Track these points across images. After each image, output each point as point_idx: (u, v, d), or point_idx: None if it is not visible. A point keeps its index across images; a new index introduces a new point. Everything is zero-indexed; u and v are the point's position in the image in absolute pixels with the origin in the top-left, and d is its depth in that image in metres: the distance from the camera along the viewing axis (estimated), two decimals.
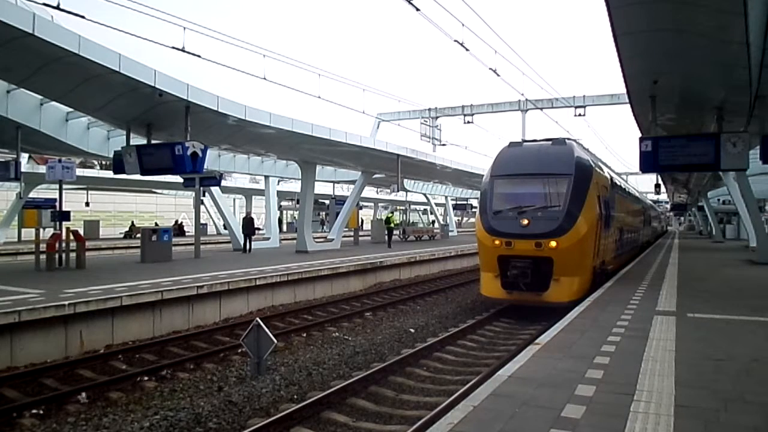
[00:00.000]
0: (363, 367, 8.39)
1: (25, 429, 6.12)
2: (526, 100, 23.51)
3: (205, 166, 13.10)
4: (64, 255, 14.82)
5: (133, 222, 42.44)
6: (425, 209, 48.95)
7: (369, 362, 8.75)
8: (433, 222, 45.15)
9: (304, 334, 10.60)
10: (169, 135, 14.00)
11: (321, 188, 36.26)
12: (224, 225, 29.22)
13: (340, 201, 29.75)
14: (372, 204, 61.58)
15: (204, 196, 24.62)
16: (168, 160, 12.43)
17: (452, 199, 46.18)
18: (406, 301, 14.62)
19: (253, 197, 44.02)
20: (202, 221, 25.66)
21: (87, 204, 38.34)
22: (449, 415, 4.31)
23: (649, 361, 5.71)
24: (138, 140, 13.90)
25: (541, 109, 24.63)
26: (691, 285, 12.05)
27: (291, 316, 12.31)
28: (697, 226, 60.04)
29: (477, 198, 26.22)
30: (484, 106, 28.96)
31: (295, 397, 7.11)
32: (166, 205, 51.23)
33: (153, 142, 13.59)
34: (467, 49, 12.59)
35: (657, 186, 23.85)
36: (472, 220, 41.73)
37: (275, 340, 7.79)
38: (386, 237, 27.50)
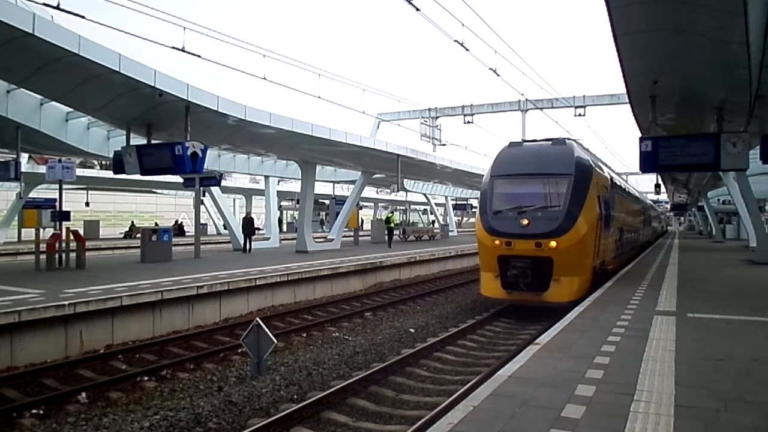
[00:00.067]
0: (363, 367, 8.39)
1: (25, 429, 6.12)
2: (526, 100, 23.51)
3: (205, 166, 13.10)
4: (64, 255, 14.82)
5: (133, 222, 42.44)
6: (425, 209, 48.95)
7: (369, 362, 8.75)
8: (433, 222, 45.15)
9: (304, 334, 10.60)
10: (169, 135, 14.00)
11: (321, 188, 36.26)
12: (224, 225, 29.23)
13: (340, 201, 29.75)
14: (372, 204, 61.58)
15: (204, 196, 24.62)
16: (168, 160, 12.43)
17: (452, 199, 46.18)
18: (406, 301, 14.62)
19: (253, 197, 44.03)
20: (202, 221, 25.66)
21: (87, 204, 38.34)
22: (449, 415, 4.31)
23: (649, 361, 5.71)
24: (138, 140, 13.90)
25: (541, 109, 24.63)
26: (691, 285, 12.05)
27: (291, 316, 12.31)
28: (697, 226, 60.04)
29: (477, 198, 26.22)
30: (484, 106, 28.97)
31: (295, 397, 7.11)
32: (166, 205, 51.23)
33: (153, 142, 13.59)
34: (467, 49, 12.60)
35: (657, 186, 23.86)
36: (472, 220, 41.73)
37: (275, 340, 7.80)
38: (386, 237, 27.51)
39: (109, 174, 23.80)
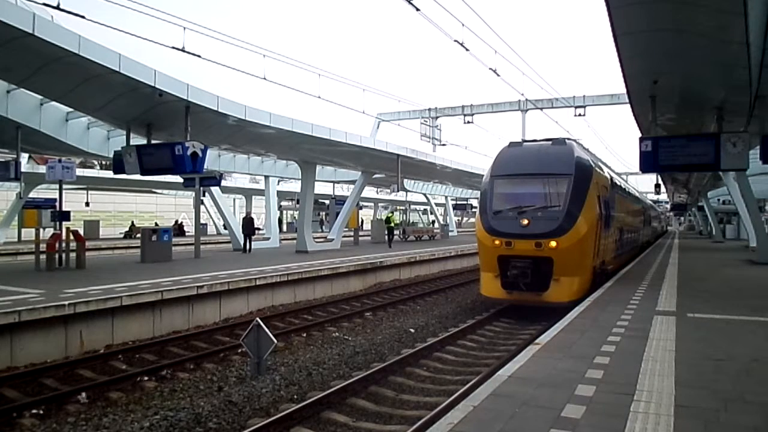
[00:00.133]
0: (363, 367, 8.39)
1: (25, 429, 6.12)
2: (526, 100, 23.51)
3: (205, 166, 13.10)
4: (64, 255, 14.82)
5: (133, 222, 42.45)
6: (425, 209, 48.95)
7: (369, 362, 8.75)
8: (433, 222, 45.15)
9: (304, 334, 10.60)
10: (169, 135, 14.00)
11: (321, 188, 36.26)
12: (224, 225, 29.23)
13: (340, 201, 29.74)
14: (372, 204, 61.58)
15: (204, 196, 24.62)
16: (168, 160, 12.43)
17: (452, 199, 46.18)
18: (406, 301, 14.62)
19: (253, 197, 44.03)
20: (202, 221, 25.66)
21: (87, 204, 38.35)
22: (449, 415, 4.31)
23: (649, 361, 5.71)
24: (138, 140, 13.90)
25: (541, 109, 24.63)
26: (691, 285, 12.05)
27: (291, 316, 12.31)
28: (697, 226, 60.04)
29: (477, 198, 26.22)
30: (484, 106, 28.97)
31: (295, 397, 7.11)
32: (166, 205, 51.23)
33: (153, 142, 13.60)
34: (467, 49, 12.60)
35: (657, 186, 23.86)
36: (472, 220, 41.73)
37: (275, 340, 7.79)
38: (386, 237, 27.51)
39: (109, 174, 23.80)
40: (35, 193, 30.12)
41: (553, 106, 25.21)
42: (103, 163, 36.22)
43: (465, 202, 48.19)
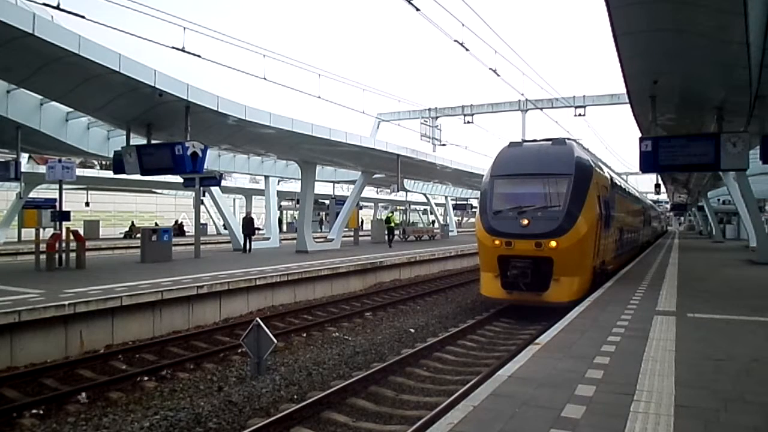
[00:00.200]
0: (363, 367, 8.39)
1: (25, 429, 6.12)
2: (526, 100, 23.51)
3: (205, 166, 13.10)
4: (64, 255, 14.82)
5: (133, 222, 42.45)
6: (425, 209, 48.95)
7: (369, 362, 8.75)
8: (433, 222, 45.15)
9: (304, 334, 10.60)
10: (169, 135, 14.00)
11: (321, 188, 36.27)
12: (224, 225, 29.23)
13: (340, 201, 29.75)
14: (372, 204, 61.59)
15: (204, 196, 24.62)
16: (168, 160, 12.43)
17: (452, 199, 46.19)
18: (406, 301, 14.62)
19: (253, 197, 44.03)
20: (202, 221, 25.66)
21: (87, 204, 38.35)
22: (449, 415, 4.31)
23: (649, 361, 5.71)
24: (138, 140, 13.90)
25: (541, 109, 24.63)
26: (691, 285, 12.05)
27: (291, 316, 12.31)
28: (697, 226, 60.05)
29: (477, 198, 26.22)
30: (484, 106, 28.97)
31: (295, 397, 7.11)
32: (166, 205, 51.23)
33: (153, 142, 13.60)
34: (467, 49, 12.60)
35: (657, 186, 23.86)
36: (472, 220, 41.73)
37: (275, 340, 7.79)
38: (386, 237, 27.51)
39: (109, 174, 23.80)
40: (35, 193, 30.12)
41: (553, 106, 25.22)
42: (103, 163, 36.22)
43: (465, 202, 48.19)
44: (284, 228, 45.87)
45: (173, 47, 10.42)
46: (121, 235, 38.95)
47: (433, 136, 28.50)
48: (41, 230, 19.65)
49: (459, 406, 4.48)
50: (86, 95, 11.65)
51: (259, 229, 29.04)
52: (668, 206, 60.01)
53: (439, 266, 22.36)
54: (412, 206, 47.92)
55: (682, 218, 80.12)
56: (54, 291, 10.03)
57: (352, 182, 28.54)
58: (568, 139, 13.10)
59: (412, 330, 11.14)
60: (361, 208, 45.07)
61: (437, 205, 51.07)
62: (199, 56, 11.26)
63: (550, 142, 12.43)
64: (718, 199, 40.36)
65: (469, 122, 28.22)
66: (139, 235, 19.92)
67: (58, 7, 8.55)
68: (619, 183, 17.14)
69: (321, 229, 45.69)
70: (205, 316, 11.45)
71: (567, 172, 11.31)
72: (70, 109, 15.34)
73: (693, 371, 5.37)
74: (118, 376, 7.77)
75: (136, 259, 17.16)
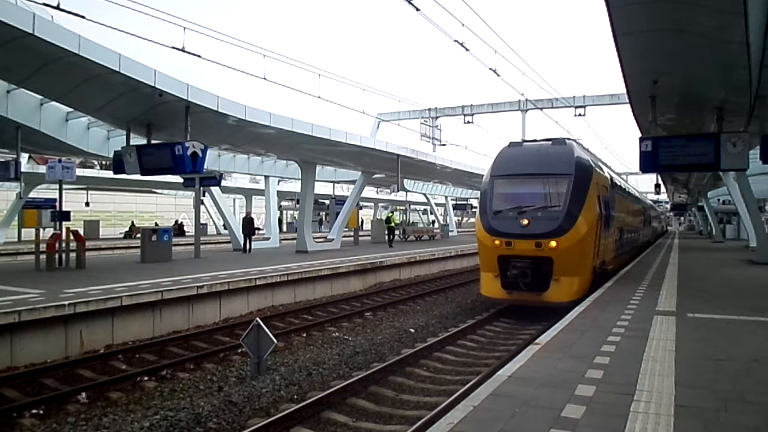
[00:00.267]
0: (363, 367, 8.39)
1: (25, 429, 6.12)
2: (526, 100, 23.51)
3: (205, 166, 13.10)
4: (64, 255, 14.82)
5: (133, 222, 42.45)
6: (425, 209, 48.96)
7: (369, 362, 8.75)
8: (433, 222, 45.16)
9: (304, 334, 10.60)
10: (169, 135, 14.00)
11: (321, 188, 36.26)
12: (224, 225, 29.22)
13: (340, 201, 29.74)
14: (372, 204, 61.59)
15: (204, 196, 24.62)
16: (168, 160, 12.43)
17: (452, 199, 46.18)
18: (406, 301, 14.62)
19: (253, 197, 44.03)
20: (202, 221, 25.65)
21: (87, 204, 38.35)
22: (449, 415, 4.31)
23: (649, 361, 5.71)
24: (138, 140, 13.90)
25: (541, 109, 24.63)
26: (691, 285, 12.05)
27: (291, 316, 12.31)
28: (697, 226, 60.05)
29: (477, 198, 26.21)
30: (484, 106, 28.97)
31: (295, 397, 7.11)
32: (166, 205, 51.23)
33: (153, 142, 13.59)
34: (467, 49, 12.60)
35: (657, 186, 23.87)
36: (472, 220, 41.73)
37: (275, 340, 7.80)
38: (386, 237, 27.51)
39: (109, 174, 23.80)
40: (35, 193, 30.12)
41: (553, 106, 25.21)
42: (103, 163, 36.22)
43: (465, 202, 48.19)
44: (284, 228, 45.87)
45: (173, 47, 10.42)
46: (121, 235, 38.95)
47: (433, 136, 28.50)
48: (41, 230, 19.65)
49: (459, 406, 4.48)
50: (86, 95, 11.65)
51: (259, 229, 29.04)
52: (668, 206, 60.02)
53: (439, 266, 22.36)
54: (412, 206, 47.93)
55: (682, 218, 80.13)
56: (54, 291, 10.03)
57: (352, 182, 28.54)
58: (568, 139, 13.10)
59: (412, 330, 11.14)
60: (361, 208, 45.07)
61: (437, 205, 51.07)
62: (199, 56, 11.27)
63: (550, 142, 12.43)
64: (718, 199, 40.35)
65: (469, 122, 28.22)
66: (139, 235, 19.92)
67: (58, 7, 8.55)
68: (619, 183, 17.15)
69: (321, 229, 45.69)
70: (205, 316, 11.45)
71: (567, 172, 11.31)
72: (70, 109, 15.34)
73: (693, 371, 5.37)
74: (118, 376, 7.77)
75: (136, 259, 17.16)
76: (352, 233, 29.89)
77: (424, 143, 28.31)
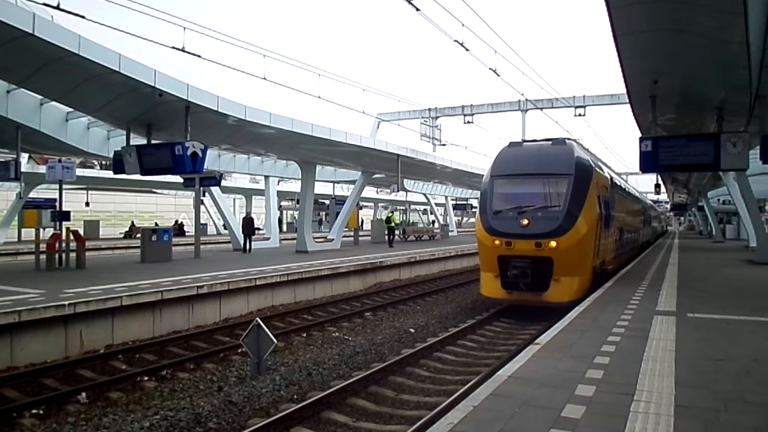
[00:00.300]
0: (363, 367, 8.39)
1: (25, 429, 6.12)
2: (526, 100, 23.51)
3: (205, 166, 13.10)
4: (64, 255, 14.82)
5: (133, 222, 42.44)
6: (425, 209, 48.95)
7: (369, 362, 8.75)
8: (433, 222, 45.16)
9: (304, 334, 10.60)
10: (169, 135, 14.00)
11: (321, 188, 36.26)
12: (224, 225, 29.22)
13: (340, 201, 29.74)
14: (372, 204, 61.59)
15: (204, 196, 24.62)
16: (168, 160, 12.42)
17: (452, 199, 46.18)
18: (406, 301, 14.62)
19: (253, 197, 44.03)
20: (202, 221, 25.65)
21: (87, 204, 38.35)
22: (449, 415, 4.31)
23: (649, 361, 5.71)
24: (138, 140, 13.90)
25: (541, 109, 24.63)
26: (691, 285, 12.05)
27: (291, 316, 12.31)
28: (697, 226, 60.05)
29: (477, 198, 26.21)
30: (484, 106, 28.96)
31: (295, 397, 7.11)
32: (166, 205, 51.23)
33: (153, 142, 13.59)
34: (467, 49, 12.61)
35: (657, 186, 23.87)
36: (472, 220, 41.73)
37: (275, 340, 7.79)
38: (387, 237, 27.51)
39: (109, 174, 23.80)
40: (35, 193, 30.12)
41: (553, 106, 25.21)
42: (103, 163, 36.22)
43: (465, 202, 48.19)
44: (284, 228, 45.87)
45: (173, 47, 10.42)
46: (121, 235, 38.94)
47: (433, 136, 28.49)
48: (41, 230, 19.65)
49: (459, 406, 4.48)
50: (86, 95, 11.65)
51: (259, 229, 29.04)
52: (668, 206, 60.01)
53: (439, 266, 22.36)
54: (412, 206, 47.91)
55: (682, 218, 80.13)
56: (54, 291, 10.03)
57: (352, 182, 28.54)
58: (568, 139, 13.10)
59: (412, 330, 11.14)
60: (361, 208, 45.07)
61: (437, 205, 51.08)
62: (199, 56, 11.27)
63: (550, 142, 12.43)
64: (718, 199, 40.35)
65: (469, 122, 28.22)
66: (139, 235, 19.91)
67: (58, 7, 8.55)
68: (619, 183, 17.15)
69: (321, 229, 45.68)
70: (205, 316, 11.45)
71: (567, 172, 11.31)
72: (70, 109, 15.33)
73: (693, 371, 5.37)
74: (118, 376, 7.77)
75: (136, 259, 17.16)
76: (352, 233, 29.89)
77: (424, 143, 28.35)
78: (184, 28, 10.59)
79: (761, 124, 11.06)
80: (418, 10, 9.98)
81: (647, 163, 11.00)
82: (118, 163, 14.11)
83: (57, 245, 14.50)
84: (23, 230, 30.03)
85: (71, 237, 15.02)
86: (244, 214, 27.29)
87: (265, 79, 13.34)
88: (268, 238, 27.09)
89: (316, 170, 22.59)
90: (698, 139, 11.02)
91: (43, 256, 14.47)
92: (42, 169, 24.15)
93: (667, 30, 7.61)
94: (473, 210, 44.35)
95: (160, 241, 17.27)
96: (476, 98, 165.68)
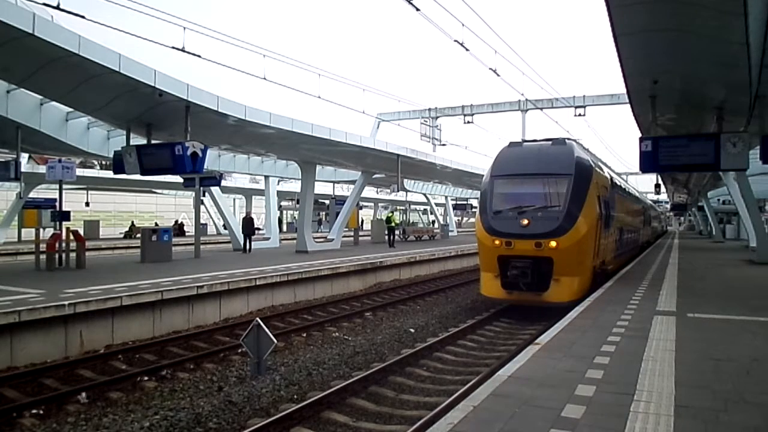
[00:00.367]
0: (363, 367, 8.39)
1: (25, 429, 6.12)
2: (526, 100, 23.51)
3: (205, 166, 13.10)
4: (64, 255, 14.82)
5: (133, 222, 42.42)
6: (425, 209, 48.95)
7: (369, 362, 8.75)
8: (433, 222, 45.16)
9: (304, 334, 10.60)
10: (169, 135, 13.99)
11: (321, 188, 36.25)
12: (224, 225, 29.22)
13: (340, 201, 29.74)
14: (372, 204, 61.60)
15: (204, 196, 24.62)
16: (168, 160, 12.42)
17: (452, 199, 46.18)
18: (406, 301, 14.62)
19: (253, 197, 44.01)
20: (202, 221, 25.64)
21: (87, 204, 38.34)
22: (449, 415, 4.31)
23: (649, 361, 5.71)
24: (138, 140, 13.90)
25: (541, 109, 24.63)
26: (691, 285, 12.05)
27: (291, 316, 12.31)
28: (697, 226, 60.05)
29: (477, 198, 26.21)
30: (484, 106, 28.94)
31: (295, 397, 7.11)
32: (166, 205, 51.22)
33: (153, 142, 13.59)
34: (467, 49, 12.60)
35: (657, 186, 23.86)
36: (472, 220, 41.73)
37: (275, 340, 7.79)
38: (387, 236, 27.50)
39: (109, 174, 23.79)
40: (35, 193, 30.11)
41: (553, 106, 25.20)
42: (103, 163, 36.21)
43: (465, 202, 48.19)
44: (284, 228, 45.88)
45: (173, 47, 10.42)
46: (121, 235, 38.94)
47: (433, 136, 28.48)
48: (41, 230, 19.65)
49: (459, 406, 4.48)
50: (86, 95, 11.64)
51: (259, 229, 29.03)
52: (668, 206, 60.02)
53: (439, 266, 22.37)
54: (412, 206, 47.90)
55: (682, 218, 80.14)
56: (54, 291, 10.03)
57: (352, 182, 28.53)
58: (568, 139, 13.11)
59: (412, 330, 11.15)
60: (361, 208, 45.07)
61: (437, 205, 51.08)
62: (199, 56, 11.26)
63: (550, 142, 12.44)
64: (718, 199, 40.34)
65: (469, 122, 28.19)
66: (139, 235, 19.91)
67: (58, 7, 8.55)
68: (619, 183, 17.15)
69: (320, 229, 45.68)
70: (205, 316, 11.45)
71: (567, 172, 11.32)
72: (70, 109, 15.32)
73: (693, 371, 5.37)
74: (118, 376, 7.77)
75: (136, 259, 17.16)
76: (352, 233, 29.89)
77: (424, 143, 28.32)
78: (184, 28, 10.60)
79: (761, 124, 11.04)
80: (418, 10, 9.98)
81: (647, 163, 11.00)
82: (118, 163, 14.11)
83: (57, 245, 14.50)
84: (23, 230, 30.03)
85: (71, 237, 15.02)
86: (244, 214, 27.29)
87: (265, 79, 13.35)
88: (268, 238, 27.08)
89: (316, 170, 22.59)
90: (698, 139, 11.02)
91: (43, 256, 14.48)
92: (42, 169, 24.15)
93: (667, 30, 7.61)
94: (473, 210, 44.36)
95: (160, 241, 17.27)
96: (476, 98, 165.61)
